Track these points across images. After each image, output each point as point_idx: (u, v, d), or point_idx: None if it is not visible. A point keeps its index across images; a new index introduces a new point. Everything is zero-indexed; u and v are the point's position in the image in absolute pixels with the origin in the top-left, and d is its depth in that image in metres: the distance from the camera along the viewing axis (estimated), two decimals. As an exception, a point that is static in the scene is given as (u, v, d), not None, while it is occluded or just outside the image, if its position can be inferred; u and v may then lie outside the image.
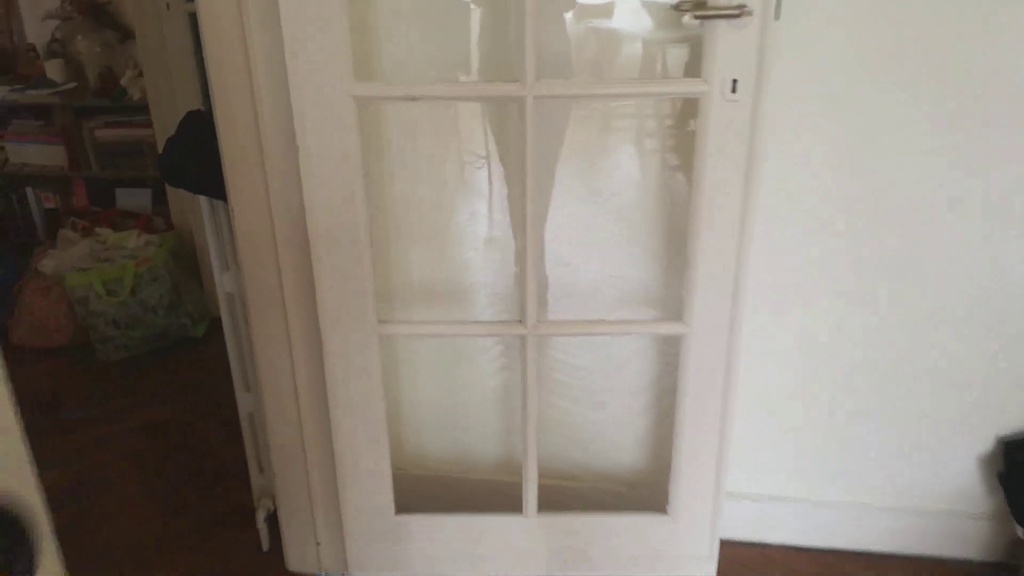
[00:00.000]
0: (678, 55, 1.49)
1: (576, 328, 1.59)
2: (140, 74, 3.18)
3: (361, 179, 1.41)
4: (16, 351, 3.07)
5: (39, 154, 3.53)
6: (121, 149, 3.47)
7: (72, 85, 3.48)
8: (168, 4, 2.84)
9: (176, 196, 3.21)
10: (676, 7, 1.36)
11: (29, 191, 3.62)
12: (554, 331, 1.57)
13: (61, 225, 3.41)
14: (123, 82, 3.33)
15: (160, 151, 2.20)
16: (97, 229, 3.16)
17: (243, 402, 2.00)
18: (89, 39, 3.40)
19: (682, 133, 1.54)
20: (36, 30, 3.58)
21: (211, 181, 1.62)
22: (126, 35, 3.42)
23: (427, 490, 1.92)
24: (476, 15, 1.52)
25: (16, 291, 3.11)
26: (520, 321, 1.51)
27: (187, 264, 3.20)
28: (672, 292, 1.66)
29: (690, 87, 1.32)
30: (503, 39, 1.52)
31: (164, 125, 2.97)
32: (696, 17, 1.24)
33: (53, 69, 3.49)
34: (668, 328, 1.52)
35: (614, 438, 1.86)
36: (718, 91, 1.29)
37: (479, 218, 1.70)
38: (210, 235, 1.82)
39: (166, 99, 2.96)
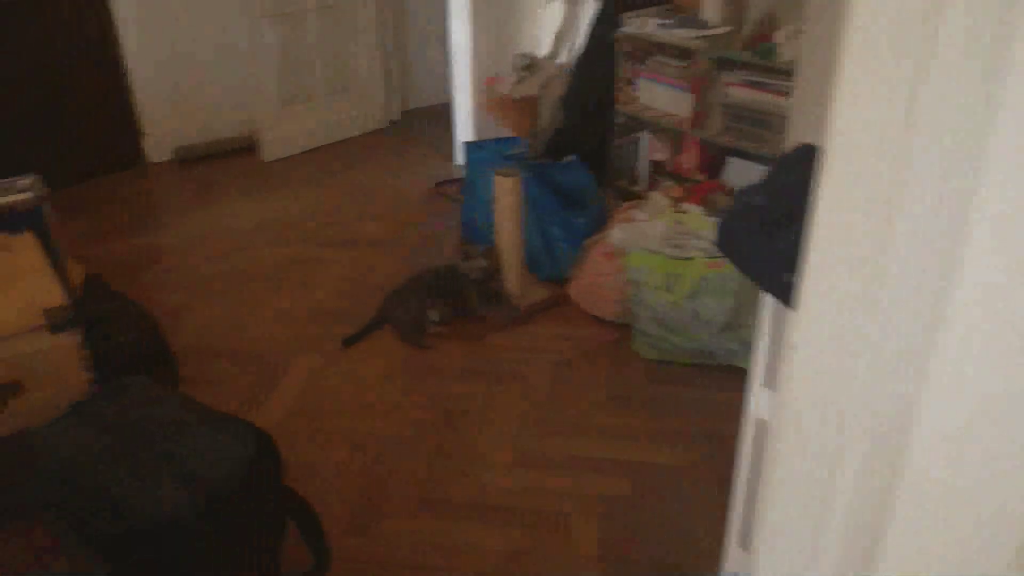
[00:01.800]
0: None
1: None
2: (799, 32, 2.52)
3: None
4: (570, 307, 2.84)
5: (666, 99, 3.16)
6: (749, 114, 2.90)
7: (725, 30, 2.99)
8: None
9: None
10: None
11: (643, 136, 3.30)
12: None
13: (655, 186, 3.04)
14: (776, 37, 2.72)
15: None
16: (685, 205, 2.69)
17: (732, 560, 1.34)
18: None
19: None
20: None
21: (784, 275, 0.92)
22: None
23: None
24: None
25: (589, 243, 2.84)
26: None
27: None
28: None
29: None
30: None
31: (804, 106, 2.27)
32: None
33: (711, 7, 3.04)
34: None
35: None
36: None
37: None
38: (761, 338, 1.14)
39: (818, 75, 2.24)
